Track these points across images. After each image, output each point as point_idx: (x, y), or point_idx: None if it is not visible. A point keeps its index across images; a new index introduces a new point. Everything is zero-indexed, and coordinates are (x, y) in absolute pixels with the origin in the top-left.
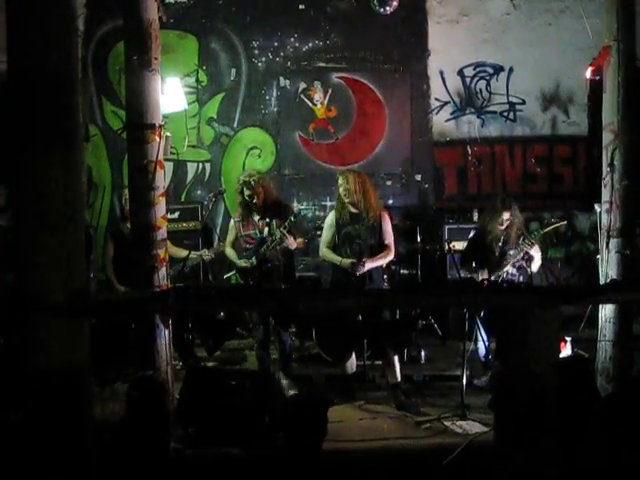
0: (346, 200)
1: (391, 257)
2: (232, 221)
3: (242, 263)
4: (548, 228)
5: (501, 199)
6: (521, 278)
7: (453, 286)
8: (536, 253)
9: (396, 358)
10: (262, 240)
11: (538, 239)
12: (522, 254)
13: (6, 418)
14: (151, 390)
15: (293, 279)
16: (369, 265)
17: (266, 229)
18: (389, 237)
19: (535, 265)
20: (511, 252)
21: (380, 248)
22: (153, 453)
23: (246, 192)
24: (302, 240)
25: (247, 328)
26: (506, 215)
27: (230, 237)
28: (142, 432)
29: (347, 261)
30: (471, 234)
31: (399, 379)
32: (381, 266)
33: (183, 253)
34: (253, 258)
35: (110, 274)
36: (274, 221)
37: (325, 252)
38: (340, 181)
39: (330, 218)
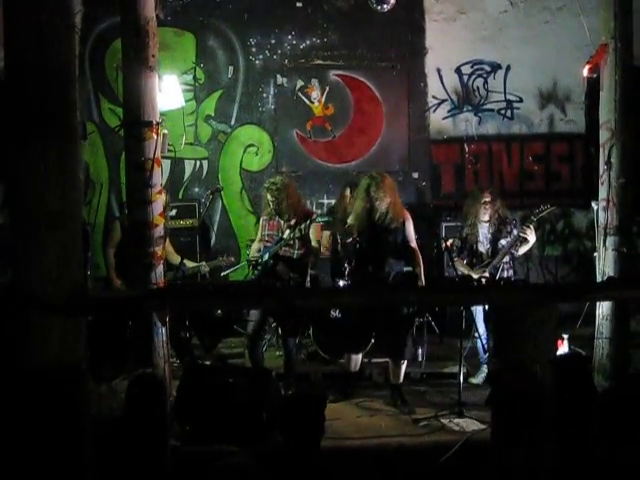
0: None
1: None
2: (261, 219)
3: (253, 258)
4: (540, 215)
5: (477, 187)
6: (511, 263)
7: (450, 284)
8: (532, 237)
9: (405, 361)
10: (279, 241)
11: (533, 225)
12: (517, 241)
13: (1, 415)
14: (151, 387)
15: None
16: None
17: (287, 232)
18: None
19: (524, 249)
20: (503, 242)
21: None
22: (153, 450)
23: (269, 197)
24: (316, 247)
25: (245, 325)
26: (487, 196)
27: (258, 234)
28: (142, 429)
29: None
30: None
31: (401, 381)
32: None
33: (177, 260)
34: (266, 255)
35: (110, 265)
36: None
37: None
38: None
39: None
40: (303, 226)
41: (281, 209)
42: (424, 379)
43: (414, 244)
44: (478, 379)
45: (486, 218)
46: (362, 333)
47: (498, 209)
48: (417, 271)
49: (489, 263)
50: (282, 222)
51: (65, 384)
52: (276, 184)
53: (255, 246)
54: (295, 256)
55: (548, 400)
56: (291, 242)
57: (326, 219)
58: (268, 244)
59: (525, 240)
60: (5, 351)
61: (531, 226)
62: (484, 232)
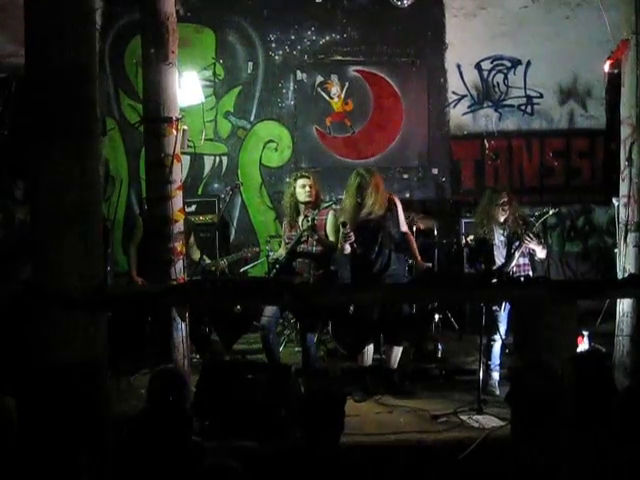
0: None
1: None
2: (283, 223)
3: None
4: (539, 221)
5: (492, 188)
6: (530, 264)
7: (470, 280)
8: (536, 246)
9: (399, 348)
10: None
11: (534, 232)
12: (520, 250)
13: (21, 411)
14: (174, 382)
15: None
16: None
17: (304, 224)
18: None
19: (539, 255)
20: (516, 244)
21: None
22: (175, 445)
23: (300, 182)
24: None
25: None
26: (504, 197)
27: (282, 239)
28: (164, 424)
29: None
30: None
31: (395, 366)
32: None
33: (196, 256)
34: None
35: (132, 263)
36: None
37: None
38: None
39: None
40: (311, 216)
41: (311, 197)
42: (443, 375)
43: (405, 228)
44: (498, 389)
45: (501, 220)
46: (366, 327)
47: (515, 211)
48: (413, 262)
49: (504, 266)
50: (300, 220)
51: (84, 379)
52: (308, 171)
53: (280, 251)
54: (314, 250)
55: (568, 397)
56: (304, 237)
57: (329, 203)
58: (288, 245)
59: (534, 249)
60: (26, 348)
61: (531, 236)
62: (499, 236)
